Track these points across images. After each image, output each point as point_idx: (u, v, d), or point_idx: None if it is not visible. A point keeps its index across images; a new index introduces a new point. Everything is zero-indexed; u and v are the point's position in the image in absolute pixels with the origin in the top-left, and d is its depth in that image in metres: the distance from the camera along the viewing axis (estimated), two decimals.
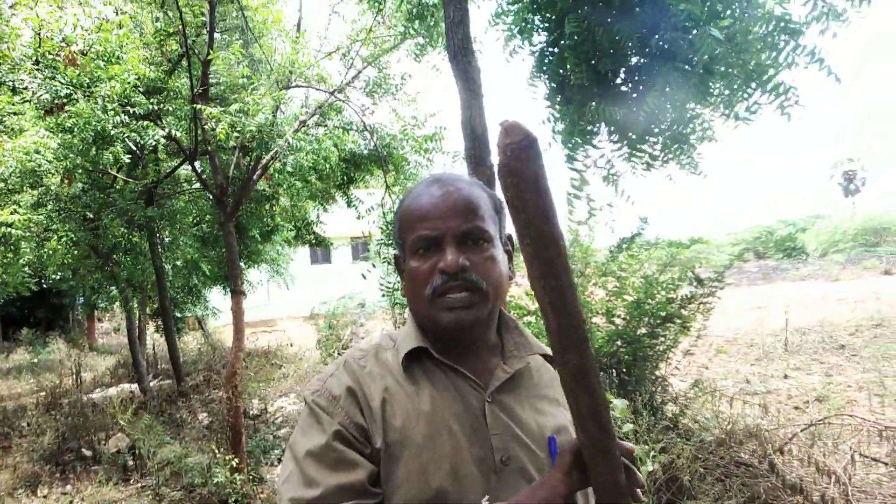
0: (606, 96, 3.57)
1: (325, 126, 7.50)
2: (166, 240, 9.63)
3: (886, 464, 4.33)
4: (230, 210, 6.43)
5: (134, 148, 6.58)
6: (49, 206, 7.59)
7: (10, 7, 5.38)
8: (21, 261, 7.89)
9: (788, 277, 19.82)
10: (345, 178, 8.70)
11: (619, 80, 3.71)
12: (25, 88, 5.48)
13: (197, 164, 6.81)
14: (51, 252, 8.48)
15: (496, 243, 1.05)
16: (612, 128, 3.78)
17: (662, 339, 5.26)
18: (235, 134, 5.63)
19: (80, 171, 6.95)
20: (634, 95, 3.62)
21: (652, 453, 3.56)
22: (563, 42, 3.54)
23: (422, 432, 0.97)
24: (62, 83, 5.37)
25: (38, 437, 6.89)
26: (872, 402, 6.09)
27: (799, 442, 4.59)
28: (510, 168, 0.69)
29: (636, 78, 3.64)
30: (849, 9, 3.05)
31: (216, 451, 5.56)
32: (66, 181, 7.07)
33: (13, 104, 6.20)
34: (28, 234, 7.14)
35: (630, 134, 3.77)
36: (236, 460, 5.45)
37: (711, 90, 3.48)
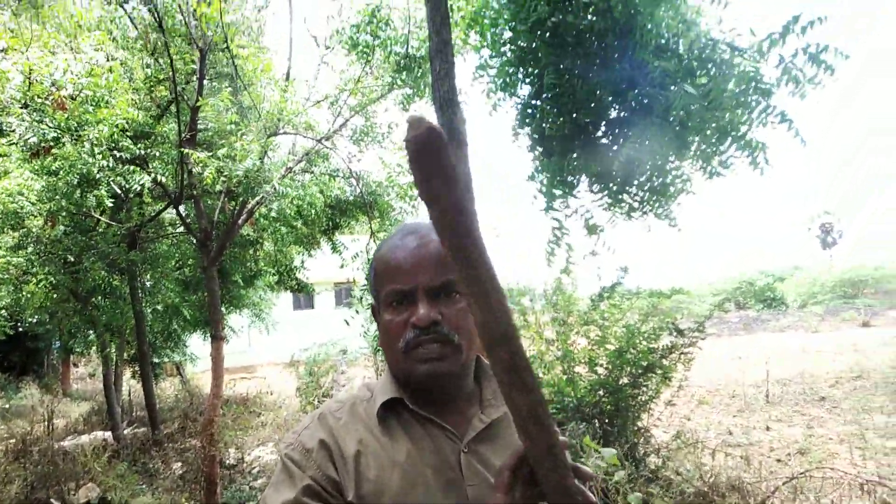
0: (587, 148, 3.66)
1: (312, 172, 7.57)
2: (147, 284, 9.53)
3: None
4: (213, 254, 6.41)
5: (119, 191, 6.58)
6: (29, 249, 7.52)
7: (1, 52, 5.43)
8: None
9: (769, 328, 19.96)
10: (330, 223, 8.74)
11: (599, 133, 3.81)
12: (13, 131, 5.49)
13: (182, 207, 6.83)
14: (29, 295, 8.35)
15: None
16: (593, 178, 3.87)
17: (644, 388, 5.26)
18: (222, 178, 5.66)
19: (63, 213, 6.93)
20: (615, 147, 3.72)
21: None
22: (544, 95, 3.64)
23: (396, 484, 0.96)
24: (50, 126, 5.40)
25: (6, 486, 6.65)
26: (854, 455, 6.08)
27: (781, 496, 4.57)
28: (417, 162, 0.68)
29: (616, 131, 3.75)
30: (819, 73, 3.18)
31: (186, 503, 5.42)
32: (49, 223, 7.03)
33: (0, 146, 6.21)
34: (6, 276, 7.05)
35: (610, 184, 3.85)
36: None
37: (688, 144, 3.59)
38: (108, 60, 5.76)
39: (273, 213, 6.84)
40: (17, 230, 7.24)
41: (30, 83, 5.26)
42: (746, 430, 7.69)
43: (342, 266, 7.80)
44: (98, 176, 5.71)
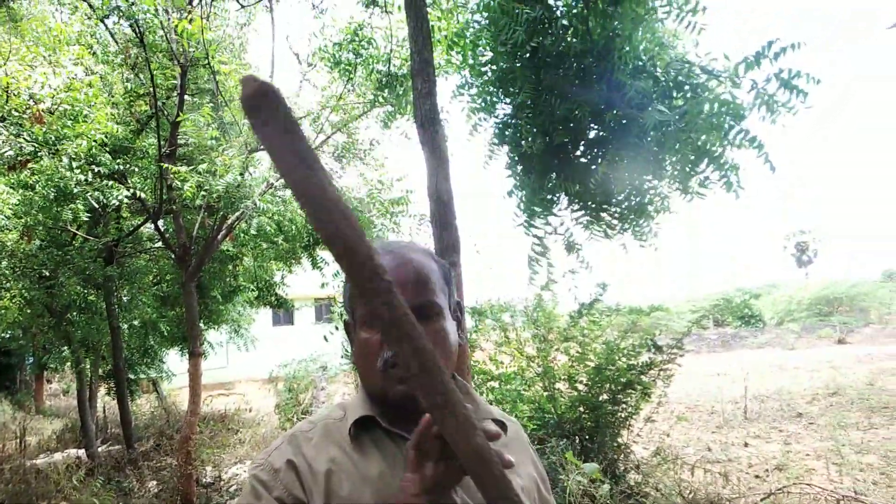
0: (565, 167, 3.70)
1: None
2: (124, 299, 9.41)
3: None
4: (192, 270, 6.36)
5: (96, 206, 6.52)
6: (3, 263, 7.40)
7: None
8: None
9: (747, 345, 20.19)
10: (311, 239, 8.72)
11: (578, 153, 3.86)
12: None
13: (160, 222, 6.77)
14: (2, 310, 8.20)
15: (446, 314, 1.07)
16: (572, 197, 3.91)
17: (624, 405, 5.28)
18: (202, 193, 5.64)
19: (39, 227, 6.84)
20: (593, 167, 3.77)
21: None
22: (523, 113, 3.69)
23: (368, 500, 0.95)
24: (27, 140, 5.35)
25: None
26: (830, 471, 6.15)
27: None
28: (256, 120, 0.65)
29: (594, 150, 3.80)
30: (792, 98, 3.26)
31: None
32: (25, 237, 6.94)
33: None
34: None
35: (589, 203, 3.89)
36: None
37: (665, 165, 3.65)
38: (87, 74, 5.73)
39: (253, 230, 6.80)
40: None
41: (7, 96, 5.21)
42: (725, 446, 7.74)
43: (323, 286, 7.78)
44: (76, 190, 5.65)
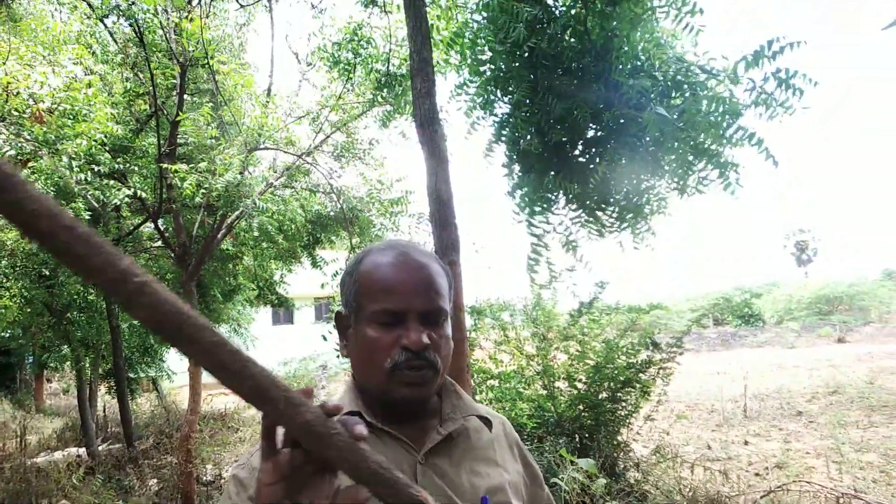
0: (564, 166, 3.71)
1: (293, 188, 7.57)
2: None
3: None
4: (192, 269, 6.37)
5: (96, 205, 6.52)
6: (3, 262, 7.41)
7: None
8: None
9: (746, 344, 20.19)
10: (311, 238, 8.72)
11: (576, 152, 3.86)
12: None
13: (160, 222, 6.78)
14: (2, 309, 8.21)
15: (448, 318, 1.08)
16: (570, 196, 3.92)
17: (624, 403, 5.29)
18: (202, 191, 5.64)
19: None
20: (591, 166, 3.78)
21: None
22: (520, 112, 3.69)
23: None
24: (27, 140, 5.35)
25: None
26: (830, 469, 6.16)
27: None
28: None
29: (593, 150, 3.81)
30: (790, 98, 3.26)
31: None
32: (25, 237, 6.94)
33: None
34: None
35: (587, 202, 3.90)
36: None
37: (663, 164, 3.65)
38: (86, 74, 5.73)
39: (255, 230, 6.80)
40: None
41: (7, 96, 5.21)
42: (725, 444, 7.75)
43: (322, 286, 7.78)
44: (76, 189, 5.66)
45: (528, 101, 3.79)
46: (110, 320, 8.61)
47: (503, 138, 3.98)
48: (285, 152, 7.05)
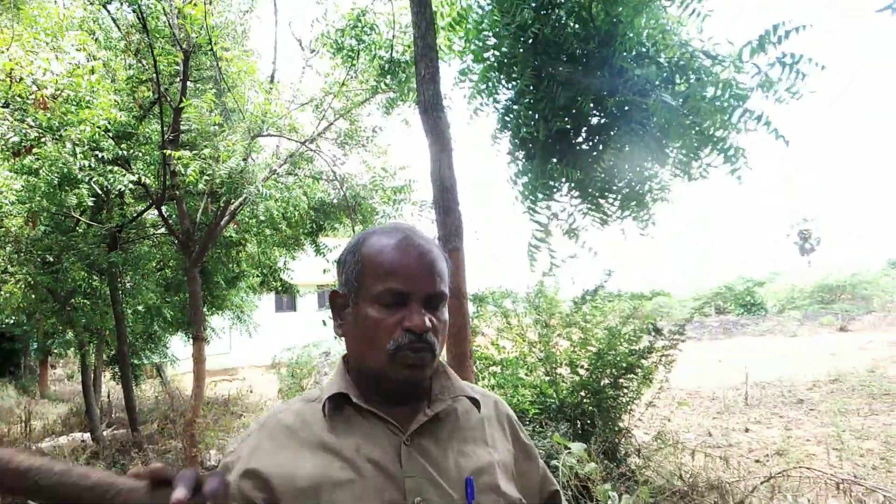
0: (567, 153, 3.71)
1: (296, 175, 7.57)
2: (128, 285, 9.45)
3: None
4: (195, 255, 6.39)
5: (99, 192, 6.54)
6: (8, 249, 7.43)
7: None
8: None
9: (748, 332, 20.21)
10: (314, 225, 8.73)
11: (580, 139, 3.86)
12: None
13: (164, 208, 6.80)
14: (7, 295, 8.25)
15: (446, 304, 1.10)
16: (573, 183, 3.92)
17: (626, 390, 5.32)
18: (205, 178, 5.65)
19: (44, 213, 6.86)
20: (594, 154, 3.77)
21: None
22: (525, 99, 3.69)
23: (336, 476, 0.98)
24: (32, 126, 5.36)
25: None
26: (830, 456, 6.19)
27: (759, 494, 4.63)
28: None
29: (596, 137, 3.80)
30: (796, 82, 3.25)
31: None
32: (29, 223, 6.97)
33: None
34: None
35: (590, 189, 3.90)
36: None
37: (668, 151, 3.65)
38: (89, 60, 5.73)
39: (260, 217, 6.81)
40: None
41: (11, 82, 5.21)
42: (726, 431, 7.79)
43: (325, 271, 7.81)
44: (79, 176, 5.68)
45: (531, 87, 3.78)
46: (114, 306, 8.66)
47: (507, 125, 3.97)
48: (288, 139, 7.05)
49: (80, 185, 6.11)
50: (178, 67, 6.23)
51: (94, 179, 5.89)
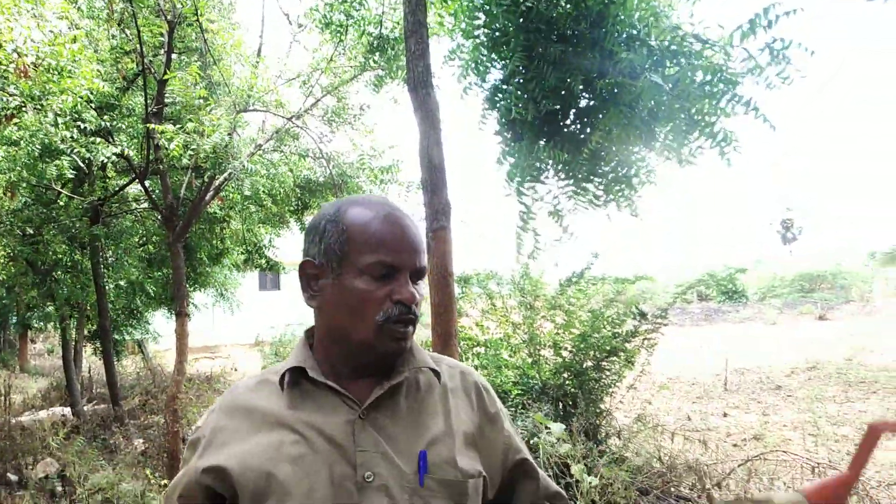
0: (555, 135, 3.69)
1: (282, 151, 7.49)
2: (110, 259, 9.35)
3: None
4: (179, 231, 6.32)
5: (81, 164, 6.43)
6: None
7: None
8: None
9: (729, 319, 20.46)
10: (300, 203, 8.67)
11: (568, 121, 3.85)
12: None
13: (147, 182, 6.70)
14: None
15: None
16: (560, 165, 3.91)
17: (608, 372, 5.37)
18: (189, 153, 5.58)
19: (23, 185, 6.74)
20: (582, 136, 3.76)
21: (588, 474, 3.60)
22: (514, 79, 3.67)
23: (288, 451, 0.98)
24: (13, 94, 5.25)
25: None
26: (806, 442, 6.30)
27: (736, 477, 4.72)
28: None
29: (585, 119, 3.79)
30: (785, 68, 3.25)
31: (150, 476, 5.36)
32: (8, 194, 6.85)
33: None
34: None
35: (577, 172, 3.90)
36: None
37: (656, 135, 3.65)
38: (70, 29, 5.60)
39: (246, 192, 6.73)
40: None
41: None
42: (705, 415, 7.90)
43: None
44: (61, 146, 5.58)
45: (521, 68, 3.75)
46: (96, 280, 8.57)
47: (496, 105, 3.95)
48: (275, 114, 6.96)
49: (62, 157, 6.00)
50: (162, 39, 6.11)
51: (75, 151, 5.79)
